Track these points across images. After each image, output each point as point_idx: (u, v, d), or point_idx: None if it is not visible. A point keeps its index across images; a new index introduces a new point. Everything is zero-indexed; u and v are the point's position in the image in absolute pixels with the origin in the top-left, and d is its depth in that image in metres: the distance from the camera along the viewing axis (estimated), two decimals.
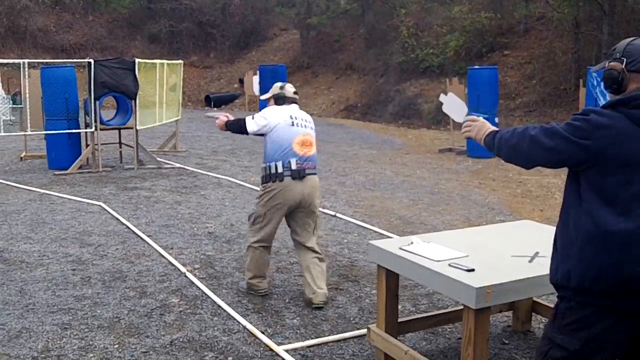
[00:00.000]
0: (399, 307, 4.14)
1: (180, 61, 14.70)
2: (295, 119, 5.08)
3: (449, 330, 4.56)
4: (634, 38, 2.61)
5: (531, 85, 18.75)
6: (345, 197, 9.23)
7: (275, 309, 4.93)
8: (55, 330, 4.51)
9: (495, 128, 2.85)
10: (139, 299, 5.11)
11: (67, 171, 11.16)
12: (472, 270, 3.30)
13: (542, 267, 3.45)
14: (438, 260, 3.46)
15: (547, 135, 2.56)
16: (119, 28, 35.36)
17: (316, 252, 5.11)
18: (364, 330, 4.35)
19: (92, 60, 11.13)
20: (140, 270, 5.83)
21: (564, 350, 2.56)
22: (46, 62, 16.18)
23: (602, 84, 2.62)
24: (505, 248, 3.80)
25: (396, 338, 3.89)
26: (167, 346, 4.25)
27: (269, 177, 4.95)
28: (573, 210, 2.58)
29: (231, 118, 5.26)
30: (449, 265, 3.39)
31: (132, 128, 11.80)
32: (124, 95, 11.54)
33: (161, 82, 12.86)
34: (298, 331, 4.52)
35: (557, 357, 2.59)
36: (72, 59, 25.23)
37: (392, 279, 3.86)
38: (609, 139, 2.44)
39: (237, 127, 5.15)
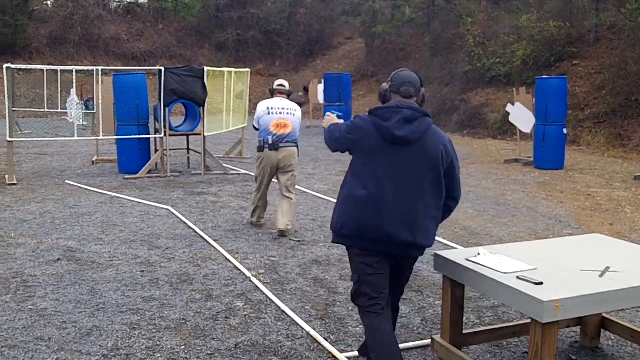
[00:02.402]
0: (463, 318, 4.10)
1: (248, 69, 14.92)
2: (272, 109, 7.32)
3: (514, 343, 4.49)
4: (402, 69, 3.78)
5: (601, 96, 18.20)
6: None
7: (339, 316, 4.96)
8: (125, 330, 4.63)
9: (339, 122, 3.95)
10: (205, 302, 5.21)
11: (137, 175, 11.46)
12: (541, 283, 3.25)
13: (613, 282, 3.38)
14: (506, 273, 3.43)
15: (337, 131, 3.77)
16: (188, 36, 36.18)
17: (290, 198, 7.45)
18: (427, 341, 4.33)
19: (162, 68, 11.41)
20: (207, 274, 5.94)
21: (355, 283, 3.70)
22: (118, 70, 16.64)
23: None
24: (574, 262, 3.73)
25: (460, 350, 3.86)
26: (232, 349, 4.32)
27: (258, 149, 7.43)
28: (344, 183, 3.73)
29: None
30: (517, 277, 3.35)
31: (199, 134, 12.03)
32: (193, 102, 11.77)
33: (228, 89, 13.08)
34: (361, 339, 4.51)
35: (355, 289, 3.71)
36: (142, 66, 25.89)
37: (458, 290, 3.84)
38: (359, 135, 3.62)
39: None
